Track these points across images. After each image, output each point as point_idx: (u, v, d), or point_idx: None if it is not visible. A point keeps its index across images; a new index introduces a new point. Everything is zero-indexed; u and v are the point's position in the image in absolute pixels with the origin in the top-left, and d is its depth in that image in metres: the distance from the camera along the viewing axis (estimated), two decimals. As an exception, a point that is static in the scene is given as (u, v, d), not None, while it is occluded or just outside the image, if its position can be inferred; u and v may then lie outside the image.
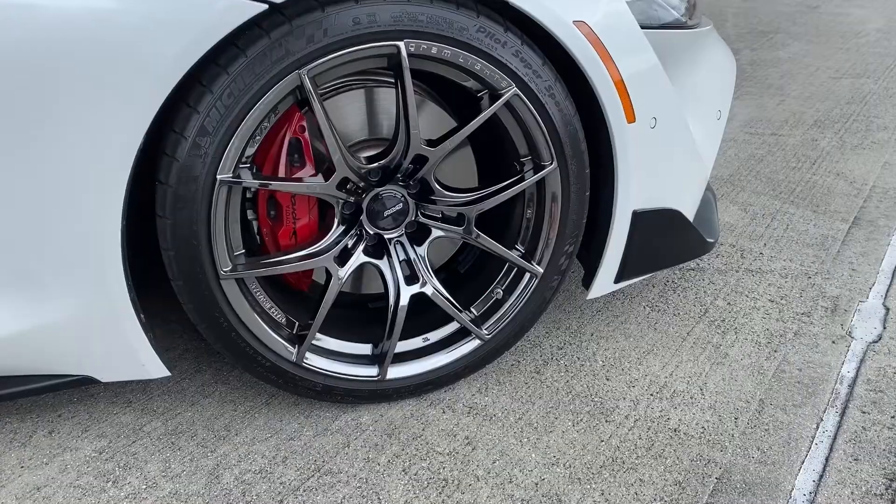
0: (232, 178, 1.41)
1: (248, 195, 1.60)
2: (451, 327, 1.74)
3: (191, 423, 1.69)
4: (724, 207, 2.71)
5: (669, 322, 2.06)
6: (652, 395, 1.79)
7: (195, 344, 1.94)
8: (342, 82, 1.60)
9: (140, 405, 1.74)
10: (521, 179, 1.61)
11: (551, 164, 1.59)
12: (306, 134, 1.54)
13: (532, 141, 1.58)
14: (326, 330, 1.67)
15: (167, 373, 1.56)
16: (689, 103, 1.81)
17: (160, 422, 1.69)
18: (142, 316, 1.51)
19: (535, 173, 1.60)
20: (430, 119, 1.67)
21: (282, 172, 1.53)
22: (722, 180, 2.92)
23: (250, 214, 1.61)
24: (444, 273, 1.91)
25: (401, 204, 1.59)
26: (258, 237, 1.63)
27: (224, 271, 1.47)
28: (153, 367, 1.56)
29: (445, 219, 1.65)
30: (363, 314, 1.82)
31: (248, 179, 1.43)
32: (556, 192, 1.63)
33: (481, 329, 1.72)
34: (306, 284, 1.70)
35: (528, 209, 1.70)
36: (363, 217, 1.59)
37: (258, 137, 1.45)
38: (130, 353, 1.53)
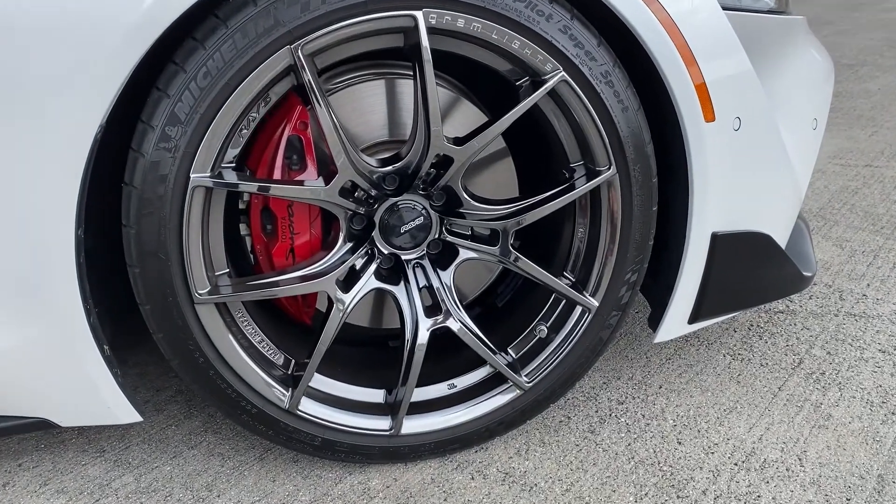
0: (210, 177, 1.15)
1: (242, 205, 1.33)
2: (482, 372, 1.43)
3: (168, 479, 1.41)
4: (815, 243, 2.32)
5: (756, 374, 1.70)
6: (736, 464, 1.42)
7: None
8: (357, 76, 1.34)
9: (114, 455, 1.47)
10: (571, 188, 1.30)
11: (609, 169, 1.28)
12: (309, 132, 1.27)
13: (584, 140, 1.28)
14: (331, 371, 1.37)
15: (138, 417, 1.29)
16: (778, 106, 1.48)
17: (132, 477, 1.41)
18: (105, 347, 1.24)
19: (589, 181, 1.29)
20: (460, 121, 1.38)
21: (277, 177, 1.26)
22: (811, 213, 2.54)
23: (243, 229, 1.35)
24: (480, 308, 1.60)
25: (421, 217, 1.30)
26: (252, 256, 1.35)
27: (200, 294, 1.20)
28: (120, 409, 1.29)
29: (476, 237, 1.34)
30: (380, 354, 1.52)
31: (230, 179, 1.17)
32: (615, 204, 1.31)
33: (520, 375, 1.39)
34: (308, 315, 1.42)
35: (579, 228, 1.38)
36: (375, 232, 1.30)
37: (245, 131, 1.19)
38: (92, 393, 1.26)
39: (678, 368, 1.73)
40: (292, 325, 1.43)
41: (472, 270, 1.50)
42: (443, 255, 1.35)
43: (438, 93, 1.19)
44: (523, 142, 1.44)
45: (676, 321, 1.48)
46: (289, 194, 1.21)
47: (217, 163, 1.16)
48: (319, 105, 1.15)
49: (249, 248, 1.35)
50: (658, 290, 1.50)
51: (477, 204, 1.30)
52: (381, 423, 1.36)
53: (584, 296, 1.37)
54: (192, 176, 1.13)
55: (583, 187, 1.29)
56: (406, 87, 1.36)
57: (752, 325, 1.88)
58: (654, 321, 1.50)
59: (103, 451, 1.48)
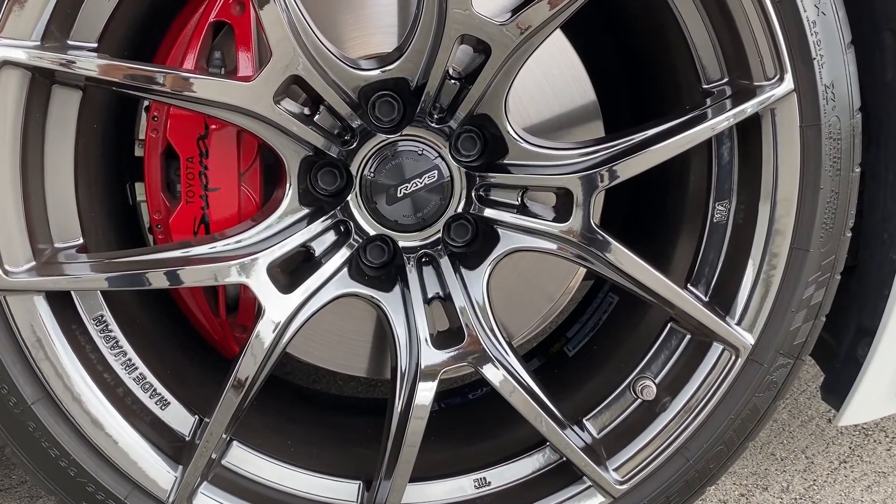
0: (34, 48, 0.62)
1: (140, 151, 0.80)
2: (536, 461, 0.85)
3: None
4: None
5: None
6: None
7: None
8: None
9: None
10: (703, 118, 0.71)
11: (778, 82, 0.70)
12: (249, 19, 0.75)
13: (734, 35, 0.72)
14: (273, 445, 0.79)
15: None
16: None
17: None
18: None
19: (736, 105, 0.70)
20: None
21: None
22: None
23: (140, 193, 0.81)
24: (539, 359, 1.00)
25: (435, 171, 0.73)
26: (151, 238, 0.81)
27: (10, 272, 0.65)
28: None
29: (528, 209, 0.75)
30: (365, 424, 0.92)
31: (84, 62, 0.64)
32: (787, 153, 0.72)
33: (607, 469, 0.78)
34: (241, 343, 0.84)
35: (718, 202, 0.78)
36: (354, 194, 0.74)
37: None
38: None
39: (863, 478, 1.09)
40: (213, 358, 0.85)
41: (518, 299, 0.88)
42: (472, 244, 0.77)
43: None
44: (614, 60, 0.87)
45: (878, 391, 0.91)
46: (180, 92, 0.66)
47: (53, 29, 0.63)
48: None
49: (148, 226, 0.81)
50: (842, 340, 0.89)
51: (535, 147, 0.73)
52: (350, 544, 0.76)
53: (728, 325, 0.76)
54: (-2, 43, 0.62)
55: (726, 114, 0.71)
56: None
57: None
58: (836, 392, 0.94)
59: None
